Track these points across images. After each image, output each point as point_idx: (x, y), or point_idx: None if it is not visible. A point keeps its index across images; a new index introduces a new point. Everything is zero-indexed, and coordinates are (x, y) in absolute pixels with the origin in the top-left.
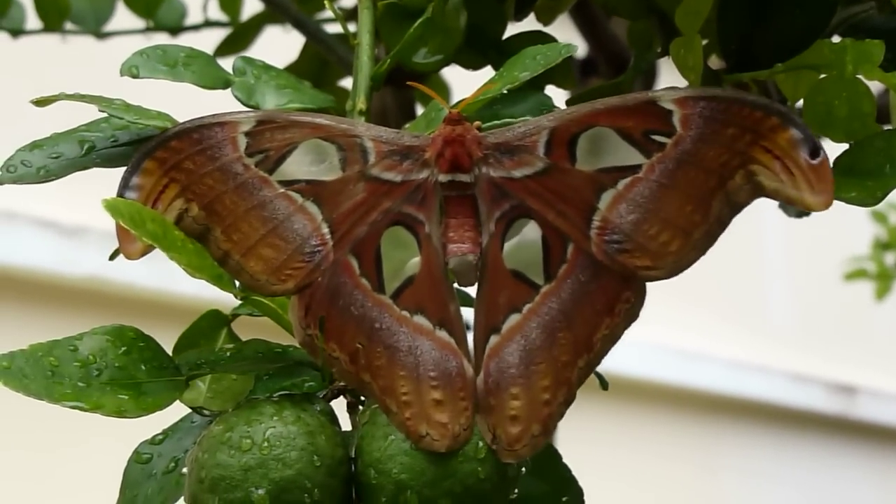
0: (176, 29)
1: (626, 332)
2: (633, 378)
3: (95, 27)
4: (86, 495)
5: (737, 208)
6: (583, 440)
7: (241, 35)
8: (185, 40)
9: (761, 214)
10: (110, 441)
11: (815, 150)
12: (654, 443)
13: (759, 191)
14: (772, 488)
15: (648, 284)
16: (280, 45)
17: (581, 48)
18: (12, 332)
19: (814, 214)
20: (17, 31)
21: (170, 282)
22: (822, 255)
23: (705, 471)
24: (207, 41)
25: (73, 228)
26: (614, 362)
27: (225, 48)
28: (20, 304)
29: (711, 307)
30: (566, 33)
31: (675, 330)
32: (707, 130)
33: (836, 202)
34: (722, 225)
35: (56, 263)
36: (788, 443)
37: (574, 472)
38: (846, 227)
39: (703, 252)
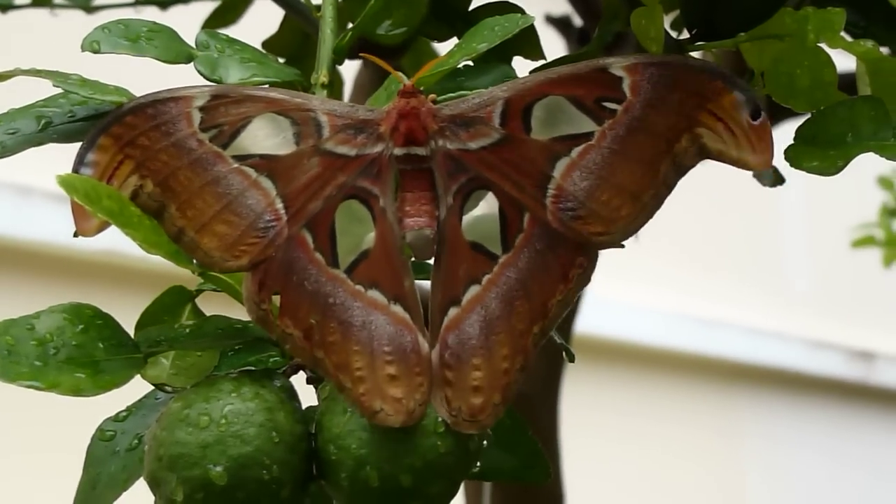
0: (165, 2)
1: (636, 301)
2: (652, 346)
3: (85, 1)
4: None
5: (682, 171)
6: (601, 408)
7: (230, 7)
8: (174, 13)
9: None
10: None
11: (757, 111)
12: (673, 410)
13: (704, 153)
14: (792, 454)
15: (672, 254)
16: (269, 18)
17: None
18: (28, 306)
19: (830, 180)
20: (6, 6)
21: None
22: (840, 222)
23: (724, 438)
24: (197, 14)
25: None
26: (633, 330)
27: (214, 21)
28: (36, 278)
29: (730, 274)
30: (557, 3)
31: (693, 297)
32: (655, 96)
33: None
34: (668, 188)
35: (71, 238)
36: (808, 409)
37: (592, 441)
38: (863, 193)
39: (651, 216)
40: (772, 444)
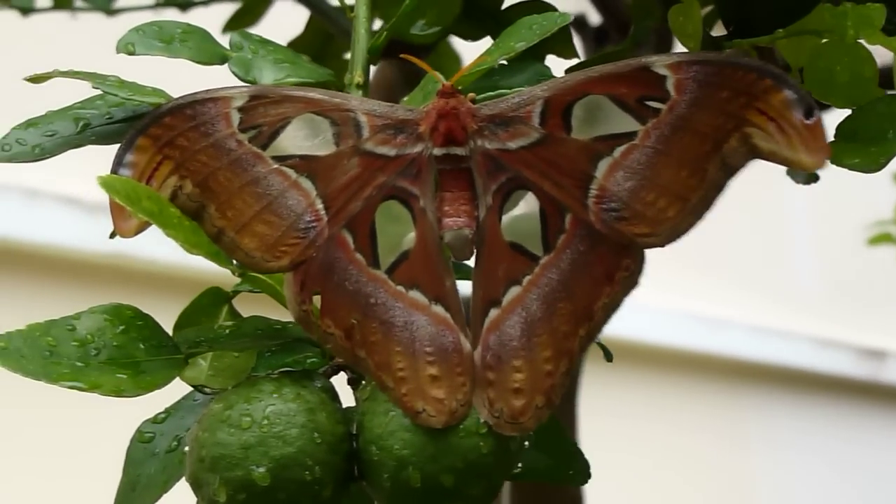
0: (185, 4)
1: (640, 299)
2: (658, 345)
3: (105, 3)
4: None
5: (732, 172)
6: (606, 411)
7: (250, 10)
8: (195, 15)
9: (785, 179)
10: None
11: (810, 110)
12: (680, 409)
13: (755, 153)
14: (800, 454)
15: (677, 253)
16: (289, 20)
17: (595, 17)
18: (36, 309)
19: (838, 177)
20: (27, 9)
21: (192, 257)
22: (848, 219)
23: (731, 437)
24: (217, 16)
25: (95, 205)
26: (639, 329)
27: (234, 23)
28: (44, 281)
29: (738, 273)
30: (571, 2)
31: (700, 296)
32: (701, 94)
33: None
34: (718, 189)
35: (79, 240)
36: (817, 408)
37: (597, 444)
38: (872, 189)
39: (700, 217)
40: (779, 443)
